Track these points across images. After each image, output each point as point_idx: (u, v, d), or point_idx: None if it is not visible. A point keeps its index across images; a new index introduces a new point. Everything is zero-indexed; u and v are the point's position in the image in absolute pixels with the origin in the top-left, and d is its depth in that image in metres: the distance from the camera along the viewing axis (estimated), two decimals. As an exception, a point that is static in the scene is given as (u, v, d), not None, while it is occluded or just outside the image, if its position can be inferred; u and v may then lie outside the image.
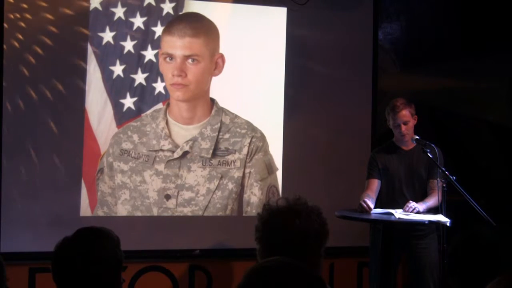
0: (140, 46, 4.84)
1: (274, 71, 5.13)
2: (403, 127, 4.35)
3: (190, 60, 4.86)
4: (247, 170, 5.01)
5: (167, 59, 4.85)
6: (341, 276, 5.25)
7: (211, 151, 4.94)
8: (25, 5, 4.62)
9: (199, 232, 4.96)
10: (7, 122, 4.60)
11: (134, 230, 4.76)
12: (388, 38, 5.66)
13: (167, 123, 4.89)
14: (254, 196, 5.03)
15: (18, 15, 4.61)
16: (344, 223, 4.27)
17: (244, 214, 5.01)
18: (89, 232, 2.19)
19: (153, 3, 4.87)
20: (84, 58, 4.74)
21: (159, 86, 4.88)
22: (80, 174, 4.75)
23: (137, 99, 4.86)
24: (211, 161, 4.95)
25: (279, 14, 5.13)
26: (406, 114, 4.35)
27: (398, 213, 4.09)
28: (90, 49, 4.76)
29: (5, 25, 4.58)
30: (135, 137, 4.85)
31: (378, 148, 4.63)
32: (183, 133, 4.93)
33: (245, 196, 5.01)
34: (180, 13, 4.93)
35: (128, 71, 4.82)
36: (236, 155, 4.99)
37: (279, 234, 2.07)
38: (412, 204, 4.17)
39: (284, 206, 2.12)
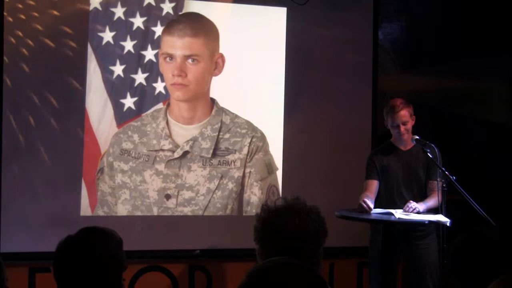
0: (140, 46, 4.84)
1: (274, 71, 5.14)
2: (402, 128, 4.35)
3: (190, 60, 4.86)
4: (247, 170, 5.01)
5: (167, 59, 4.85)
6: (341, 276, 5.25)
7: (211, 151, 4.95)
8: (24, 5, 4.62)
9: (199, 232, 4.96)
10: (7, 122, 4.60)
11: (134, 229, 4.76)
12: (388, 38, 5.66)
13: (167, 123, 4.90)
14: (254, 196, 5.03)
15: (17, 15, 4.61)
16: (344, 223, 4.27)
17: (244, 214, 5.01)
18: (92, 232, 2.18)
19: (153, 3, 4.87)
20: (84, 58, 4.74)
21: (159, 86, 4.88)
22: (80, 174, 4.75)
23: (137, 99, 4.86)
24: (211, 161, 4.95)
25: (279, 14, 5.13)
26: (405, 115, 4.34)
27: (398, 213, 4.09)
28: (90, 49, 4.76)
29: (4, 25, 4.58)
30: (136, 137, 4.85)
31: (376, 148, 4.63)
32: (183, 133, 4.93)
33: (245, 195, 5.02)
34: (180, 13, 4.94)
35: (128, 71, 4.82)
36: (236, 155, 4.99)
37: (278, 234, 2.07)
38: (412, 204, 4.16)
39: (283, 206, 2.12)
